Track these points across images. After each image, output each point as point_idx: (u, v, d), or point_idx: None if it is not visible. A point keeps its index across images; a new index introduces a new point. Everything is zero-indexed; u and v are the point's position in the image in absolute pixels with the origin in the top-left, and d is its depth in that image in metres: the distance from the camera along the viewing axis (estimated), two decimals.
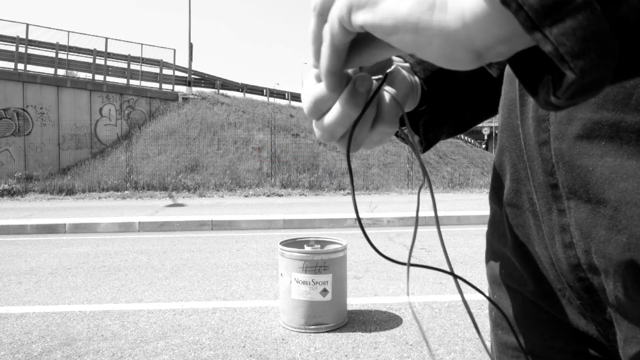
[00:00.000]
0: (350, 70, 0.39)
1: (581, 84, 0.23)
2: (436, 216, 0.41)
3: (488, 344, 0.70)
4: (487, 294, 0.58)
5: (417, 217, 0.43)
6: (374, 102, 0.41)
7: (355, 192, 13.50)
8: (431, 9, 0.26)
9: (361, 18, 0.29)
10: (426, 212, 9.11)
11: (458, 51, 0.26)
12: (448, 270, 0.40)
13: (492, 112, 0.63)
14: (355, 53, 0.34)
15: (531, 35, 0.22)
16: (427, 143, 0.60)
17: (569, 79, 0.23)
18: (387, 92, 0.43)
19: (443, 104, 0.58)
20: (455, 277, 0.40)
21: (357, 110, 0.39)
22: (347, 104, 0.39)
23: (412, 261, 5.49)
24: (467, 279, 4.31)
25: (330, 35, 0.33)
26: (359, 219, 0.43)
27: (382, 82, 0.41)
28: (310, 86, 0.41)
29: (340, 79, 0.37)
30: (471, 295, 4.49)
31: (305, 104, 0.41)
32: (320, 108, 0.41)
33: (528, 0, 0.22)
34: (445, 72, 0.55)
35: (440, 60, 0.28)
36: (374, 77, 0.41)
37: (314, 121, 0.43)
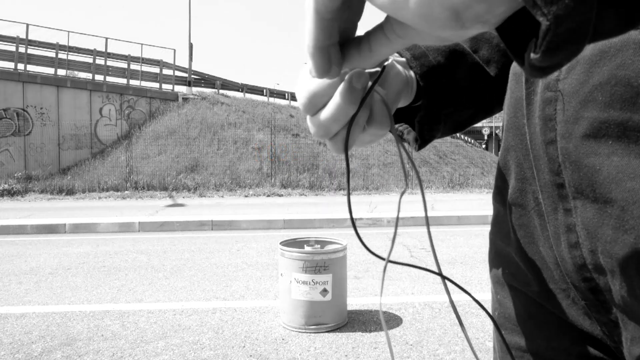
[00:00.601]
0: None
1: (556, 33, 0.22)
2: (426, 217, 0.41)
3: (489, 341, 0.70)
4: (475, 295, 0.58)
5: (397, 219, 0.42)
6: (367, 102, 0.40)
7: (355, 192, 13.36)
8: None
9: None
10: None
11: (435, 8, 0.25)
12: (437, 271, 0.39)
13: (489, 112, 0.62)
14: (355, 52, 0.33)
15: None
16: (422, 140, 0.59)
17: (544, 27, 0.22)
18: (378, 93, 0.41)
19: (440, 102, 0.57)
20: (444, 277, 0.39)
21: (353, 107, 0.38)
22: (344, 100, 0.37)
23: (411, 261, 5.48)
24: (468, 279, 4.30)
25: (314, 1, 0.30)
26: (352, 220, 0.42)
27: (378, 78, 0.39)
28: (306, 81, 0.39)
29: (328, 56, 0.34)
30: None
31: (300, 99, 0.40)
32: (315, 103, 0.39)
33: None
34: (443, 69, 0.55)
35: (419, 20, 0.26)
36: (369, 70, 0.40)
37: (308, 117, 0.41)
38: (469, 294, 0.43)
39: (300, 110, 0.41)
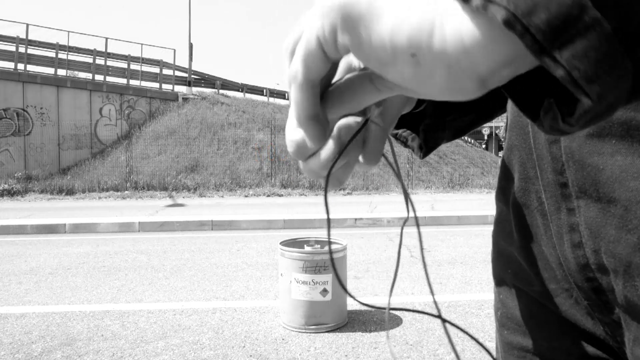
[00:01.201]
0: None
1: (597, 110, 0.21)
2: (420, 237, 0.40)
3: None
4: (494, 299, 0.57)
5: (399, 253, 0.41)
6: (359, 142, 0.39)
7: (355, 192, 13.27)
8: (430, 36, 0.23)
9: (352, 39, 0.25)
10: (427, 212, 9.12)
11: (462, 81, 0.24)
12: (436, 314, 0.38)
13: (490, 117, 0.62)
14: (338, 102, 0.31)
15: (540, 60, 0.21)
16: (427, 148, 0.59)
17: (585, 105, 0.21)
18: (377, 124, 0.40)
19: (445, 109, 0.57)
20: (444, 321, 0.39)
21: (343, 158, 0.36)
22: (333, 152, 0.36)
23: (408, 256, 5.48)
24: (468, 279, 4.28)
25: (304, 66, 0.28)
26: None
27: (359, 131, 0.38)
28: (292, 130, 0.37)
29: (322, 125, 0.32)
30: (470, 295, 4.45)
31: (289, 148, 0.38)
32: (303, 153, 0.37)
33: (534, 21, 0.19)
34: None
35: (444, 93, 0.25)
36: (354, 118, 0.38)
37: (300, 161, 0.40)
38: (471, 336, 0.42)
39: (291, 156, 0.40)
